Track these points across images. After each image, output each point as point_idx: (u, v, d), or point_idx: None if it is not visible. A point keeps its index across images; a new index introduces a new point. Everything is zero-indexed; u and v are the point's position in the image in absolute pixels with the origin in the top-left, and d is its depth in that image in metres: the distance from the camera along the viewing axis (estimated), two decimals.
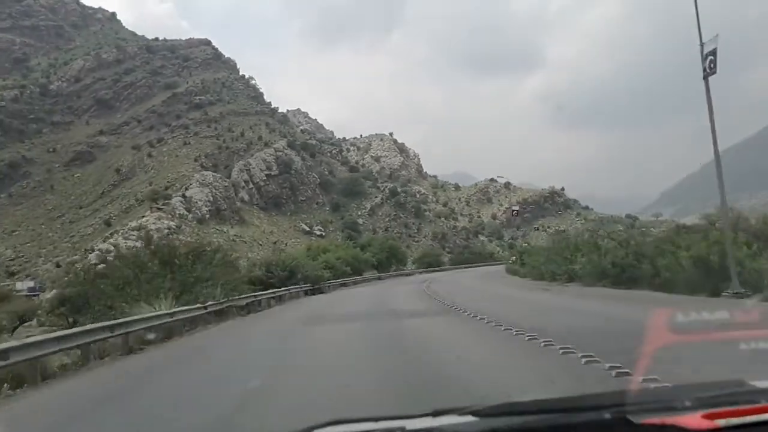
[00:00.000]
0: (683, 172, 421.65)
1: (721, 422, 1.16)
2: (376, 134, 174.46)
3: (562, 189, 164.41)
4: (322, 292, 35.04)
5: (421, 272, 61.87)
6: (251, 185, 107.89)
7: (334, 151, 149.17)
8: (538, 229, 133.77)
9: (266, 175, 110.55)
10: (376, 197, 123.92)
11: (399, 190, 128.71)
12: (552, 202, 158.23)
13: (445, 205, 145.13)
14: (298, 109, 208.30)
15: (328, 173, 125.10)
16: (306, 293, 33.31)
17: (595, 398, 1.38)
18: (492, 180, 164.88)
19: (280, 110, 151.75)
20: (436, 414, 1.22)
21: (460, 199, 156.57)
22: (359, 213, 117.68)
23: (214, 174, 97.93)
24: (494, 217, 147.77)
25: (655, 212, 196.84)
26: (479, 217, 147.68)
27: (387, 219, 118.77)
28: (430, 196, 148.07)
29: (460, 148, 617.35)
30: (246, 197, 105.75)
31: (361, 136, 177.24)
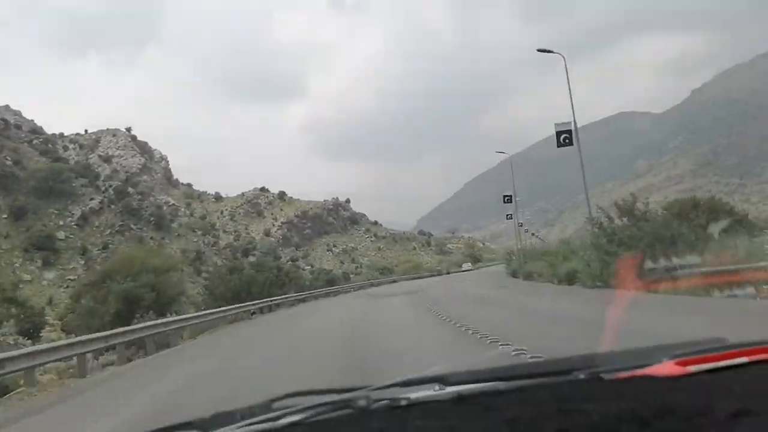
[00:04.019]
0: (435, 201, 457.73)
1: (693, 368, 1.07)
2: (108, 129, 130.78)
3: (348, 201, 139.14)
4: None
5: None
6: None
7: (36, 141, 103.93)
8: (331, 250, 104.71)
9: None
10: (92, 200, 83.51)
11: (130, 190, 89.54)
12: (336, 216, 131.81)
13: (203, 218, 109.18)
14: (7, 106, 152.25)
15: (13, 164, 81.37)
16: None
17: (566, 362, 1.26)
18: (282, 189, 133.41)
19: None
20: (404, 384, 1.13)
21: (222, 212, 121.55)
22: (62, 222, 76.48)
23: None
24: (268, 233, 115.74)
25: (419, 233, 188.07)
26: (249, 233, 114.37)
27: (109, 231, 79.25)
28: (183, 209, 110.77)
29: (222, 173, 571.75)
30: None
31: (86, 131, 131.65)
